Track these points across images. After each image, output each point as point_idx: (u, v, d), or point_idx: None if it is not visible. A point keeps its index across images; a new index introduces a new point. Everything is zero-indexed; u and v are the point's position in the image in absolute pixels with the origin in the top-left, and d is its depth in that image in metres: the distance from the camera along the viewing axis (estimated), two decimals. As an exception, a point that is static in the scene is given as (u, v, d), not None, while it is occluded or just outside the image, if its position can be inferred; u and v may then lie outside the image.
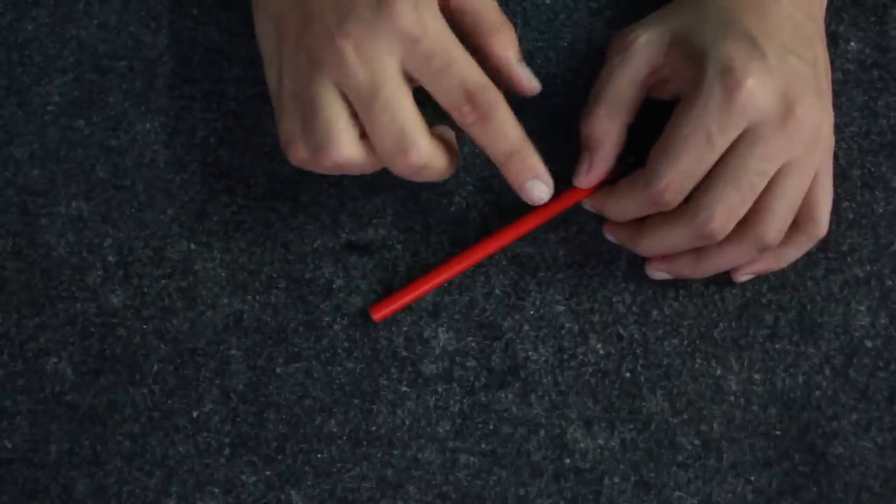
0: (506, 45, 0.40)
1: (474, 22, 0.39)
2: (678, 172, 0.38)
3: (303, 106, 0.38)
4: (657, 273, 0.43)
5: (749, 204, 0.38)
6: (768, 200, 0.39)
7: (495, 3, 0.40)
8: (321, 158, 0.38)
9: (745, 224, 0.39)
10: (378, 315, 0.43)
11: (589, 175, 0.41)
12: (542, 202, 0.40)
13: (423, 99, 0.38)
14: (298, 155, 0.39)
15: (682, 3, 0.41)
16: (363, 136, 0.38)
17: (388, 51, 0.37)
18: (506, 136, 0.38)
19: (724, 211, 0.38)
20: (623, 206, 0.41)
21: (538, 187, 0.39)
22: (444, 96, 0.38)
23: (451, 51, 0.37)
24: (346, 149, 0.38)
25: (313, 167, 0.39)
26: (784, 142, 0.38)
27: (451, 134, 0.41)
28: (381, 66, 0.37)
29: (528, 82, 0.41)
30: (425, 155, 0.37)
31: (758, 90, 0.37)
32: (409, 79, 0.38)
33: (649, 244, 0.41)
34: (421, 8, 0.37)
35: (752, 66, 0.37)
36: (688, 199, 0.39)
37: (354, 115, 0.38)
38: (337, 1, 0.37)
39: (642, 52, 0.40)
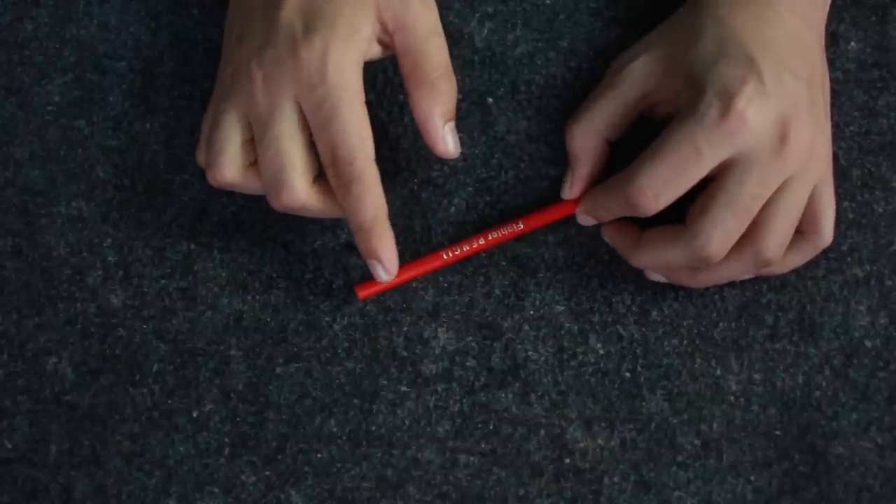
0: (434, 101, 0.38)
1: (413, 67, 0.38)
2: (657, 177, 0.38)
3: (212, 118, 0.39)
4: (654, 275, 0.43)
5: (745, 227, 0.39)
6: (766, 217, 0.39)
7: (443, 53, 0.39)
8: (209, 173, 0.39)
9: (745, 241, 0.39)
10: (364, 293, 0.43)
11: (572, 190, 0.43)
12: (381, 281, 0.40)
13: None
14: (200, 160, 0.40)
15: (678, 18, 0.41)
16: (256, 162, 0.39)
17: (290, 89, 0.37)
18: (359, 211, 0.38)
19: (722, 235, 0.38)
20: (603, 205, 0.41)
21: (376, 269, 0.39)
22: (319, 149, 0.38)
23: (338, 109, 0.37)
24: (228, 173, 0.38)
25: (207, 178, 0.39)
26: (779, 166, 0.38)
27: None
28: (279, 102, 0.37)
29: (444, 145, 0.39)
30: (297, 198, 0.38)
31: (753, 116, 0.37)
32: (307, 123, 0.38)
33: (644, 259, 0.41)
34: (330, 58, 0.37)
35: (749, 91, 0.37)
36: (685, 221, 0.39)
37: (252, 140, 0.38)
38: (265, 27, 0.38)
39: (633, 78, 0.41)
